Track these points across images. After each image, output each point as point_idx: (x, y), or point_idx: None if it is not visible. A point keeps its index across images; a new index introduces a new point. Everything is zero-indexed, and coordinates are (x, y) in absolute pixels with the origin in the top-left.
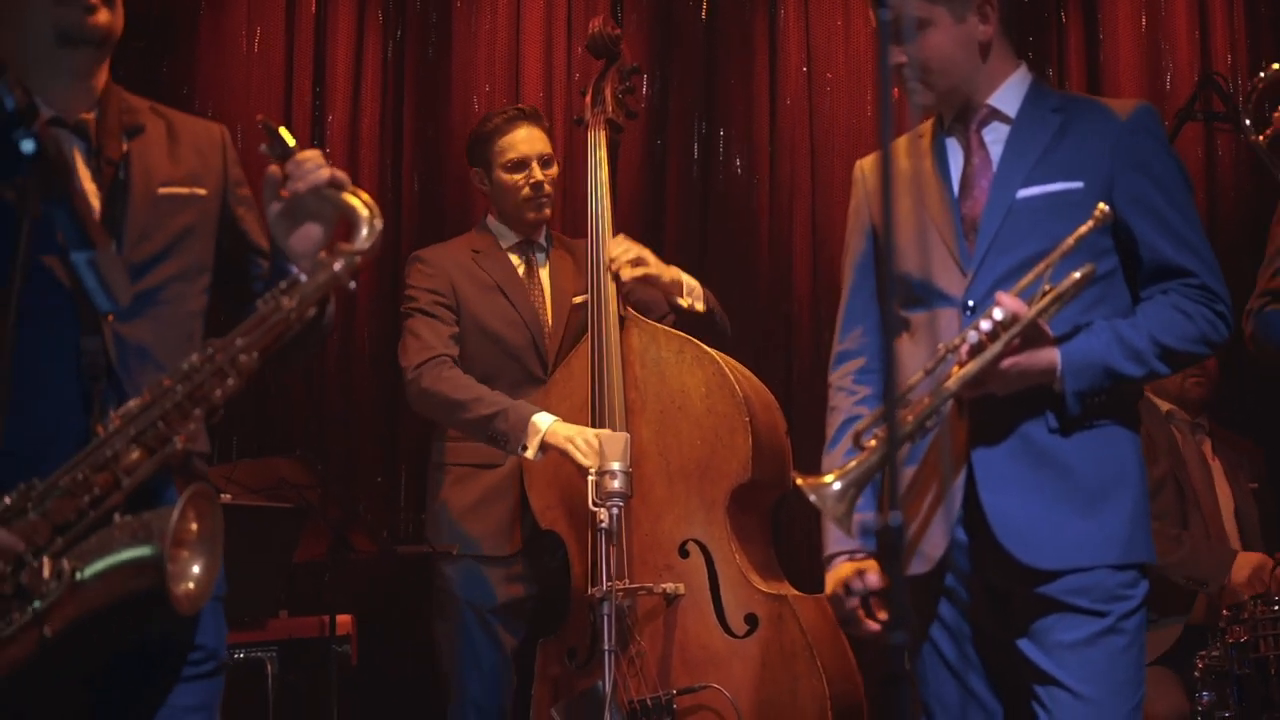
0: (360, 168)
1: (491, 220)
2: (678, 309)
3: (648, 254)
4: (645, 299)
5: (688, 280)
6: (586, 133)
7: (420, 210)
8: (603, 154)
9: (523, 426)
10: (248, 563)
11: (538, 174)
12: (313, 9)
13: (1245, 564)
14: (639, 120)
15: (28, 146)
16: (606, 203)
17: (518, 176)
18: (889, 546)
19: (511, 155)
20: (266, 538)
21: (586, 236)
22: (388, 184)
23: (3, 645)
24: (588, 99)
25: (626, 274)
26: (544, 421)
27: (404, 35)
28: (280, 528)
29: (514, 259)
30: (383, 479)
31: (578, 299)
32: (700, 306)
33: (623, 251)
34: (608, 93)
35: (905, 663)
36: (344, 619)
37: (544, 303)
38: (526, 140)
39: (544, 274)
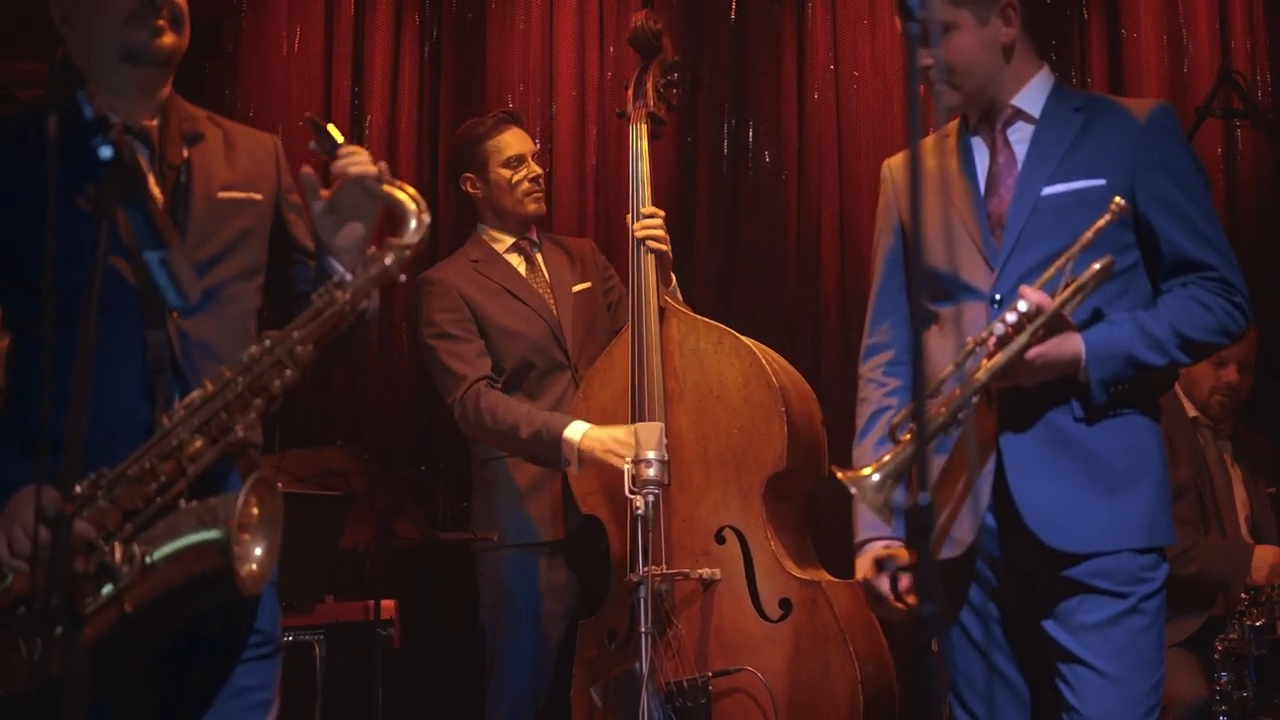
0: (398, 166)
1: (484, 229)
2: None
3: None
4: None
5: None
6: (628, 126)
7: (457, 207)
8: (645, 146)
9: (557, 445)
10: (296, 549)
11: (534, 168)
12: (351, 11)
13: (1263, 561)
14: (670, 119)
15: (106, 152)
16: (648, 194)
17: (517, 173)
18: (919, 524)
19: (510, 153)
20: (314, 525)
21: (627, 224)
22: (425, 181)
23: (87, 621)
24: (629, 92)
25: (655, 244)
26: (576, 434)
27: (440, 36)
28: (328, 515)
29: (513, 260)
30: (425, 467)
31: (578, 287)
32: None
33: (656, 226)
34: (650, 86)
35: (935, 634)
36: (387, 604)
37: (550, 292)
38: (520, 139)
39: (542, 267)
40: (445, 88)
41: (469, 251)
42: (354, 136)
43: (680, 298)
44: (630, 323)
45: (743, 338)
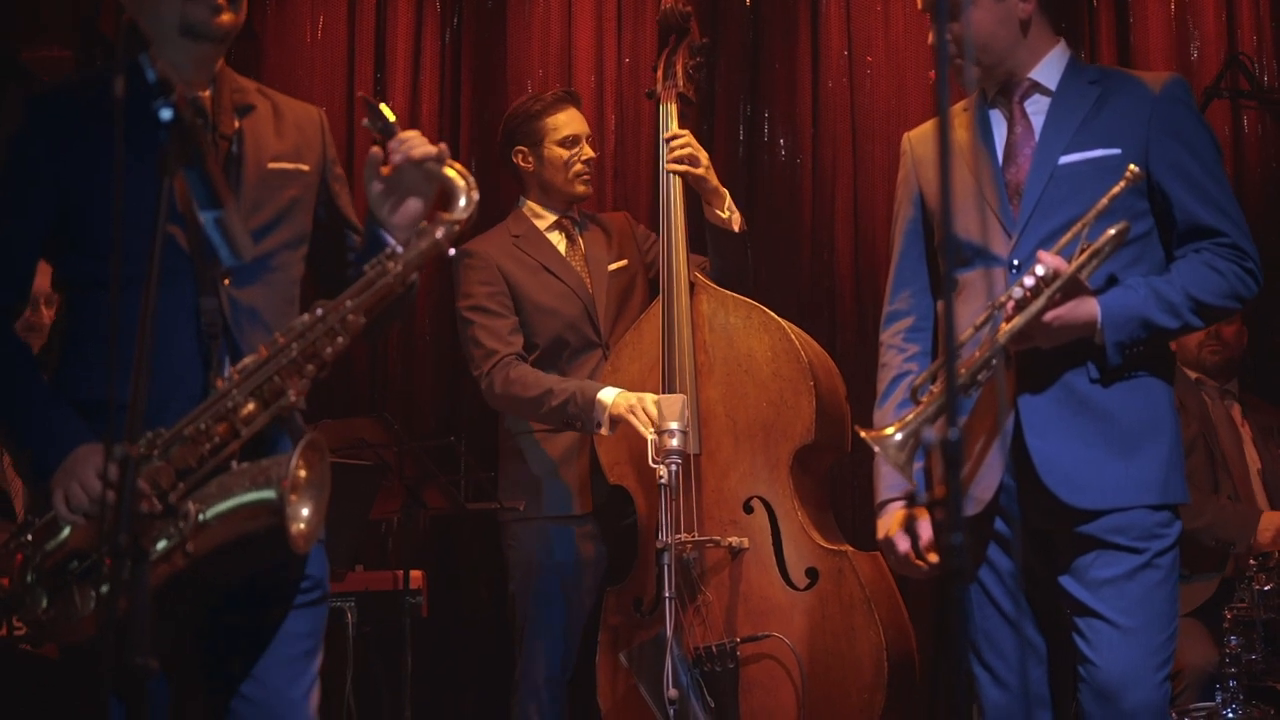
0: None
1: (527, 203)
2: (714, 221)
3: (703, 154)
4: None
5: (730, 199)
6: (658, 106)
7: (483, 186)
8: (675, 126)
9: (590, 407)
10: (328, 517)
11: (587, 151)
12: None
13: (1269, 525)
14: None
15: (166, 114)
16: (677, 178)
17: (571, 151)
18: (948, 458)
19: (566, 132)
20: (346, 494)
21: (660, 208)
22: None
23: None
24: (659, 73)
25: (675, 168)
26: (608, 396)
27: (460, 23)
28: (359, 484)
29: (553, 237)
30: (454, 438)
31: (613, 266)
32: (736, 226)
33: (681, 145)
34: (679, 67)
35: (964, 565)
36: (416, 573)
37: (588, 270)
38: (577, 119)
39: (583, 244)
40: (466, 74)
41: (510, 226)
42: None
43: (739, 216)
44: (661, 297)
45: (772, 314)
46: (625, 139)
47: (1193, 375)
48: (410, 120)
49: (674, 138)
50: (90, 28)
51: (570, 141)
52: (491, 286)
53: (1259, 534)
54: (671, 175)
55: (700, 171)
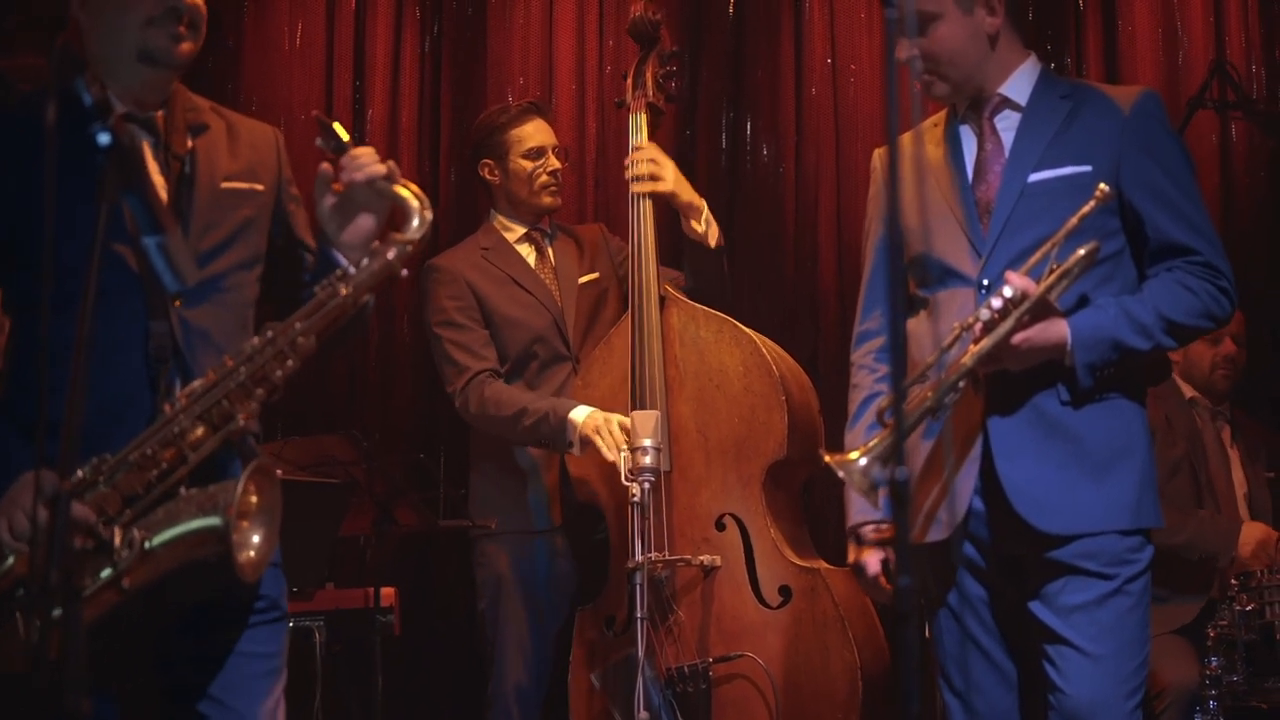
0: (399, 160)
1: (496, 216)
2: (689, 234)
3: (667, 167)
4: None
5: (708, 212)
6: (627, 116)
7: (457, 200)
8: (644, 136)
9: (562, 427)
10: (297, 535)
11: (553, 162)
12: (352, 5)
13: (1250, 538)
14: (669, 109)
15: (103, 139)
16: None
17: (536, 163)
18: (896, 497)
19: (531, 144)
20: (315, 512)
21: (629, 220)
22: (426, 175)
23: (85, 603)
24: (629, 82)
25: (637, 187)
26: (579, 416)
27: (440, 31)
28: (328, 502)
29: (522, 250)
30: (425, 456)
31: (584, 278)
32: (713, 241)
33: (642, 159)
34: (649, 76)
35: (914, 603)
36: (387, 591)
37: (557, 282)
38: (543, 131)
39: (551, 258)
40: (446, 82)
41: (479, 239)
42: (355, 131)
43: (717, 231)
44: (630, 311)
45: (743, 327)
46: (607, 147)
47: (1188, 394)
48: (389, 129)
49: (635, 150)
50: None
51: (535, 153)
52: (459, 300)
53: (1240, 546)
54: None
55: (663, 187)
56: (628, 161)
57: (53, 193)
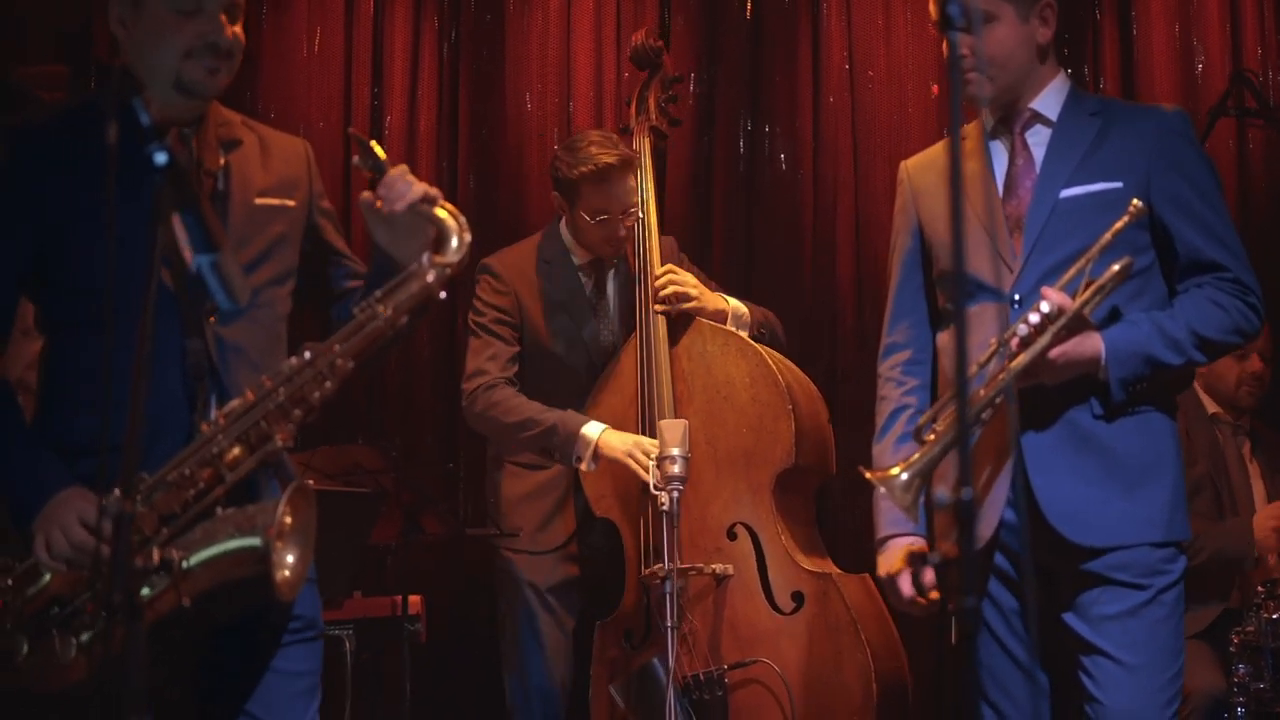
0: (418, 167)
1: (565, 230)
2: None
3: (690, 285)
4: None
5: (734, 308)
6: (631, 140)
7: (476, 208)
8: (648, 161)
9: (573, 440)
10: (326, 545)
11: (619, 229)
12: (371, 12)
13: (1262, 526)
14: (687, 118)
15: (161, 158)
16: (651, 207)
17: (600, 225)
18: (962, 519)
19: (598, 205)
20: (344, 521)
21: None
22: (444, 183)
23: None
24: (631, 108)
25: (664, 308)
26: (594, 432)
27: (458, 37)
28: (356, 512)
29: (583, 277)
30: (453, 464)
31: None
32: (748, 331)
33: (665, 285)
34: (651, 101)
35: (977, 623)
36: (414, 599)
37: (608, 322)
38: (611, 198)
39: (610, 293)
40: (464, 89)
41: (544, 248)
42: (374, 137)
43: (747, 319)
44: (637, 329)
45: (748, 339)
46: None
47: (1210, 409)
48: (408, 135)
49: (656, 278)
50: (77, 44)
51: (599, 214)
52: (502, 314)
53: (1257, 536)
54: (647, 203)
55: (692, 306)
56: (653, 285)
57: (112, 212)
